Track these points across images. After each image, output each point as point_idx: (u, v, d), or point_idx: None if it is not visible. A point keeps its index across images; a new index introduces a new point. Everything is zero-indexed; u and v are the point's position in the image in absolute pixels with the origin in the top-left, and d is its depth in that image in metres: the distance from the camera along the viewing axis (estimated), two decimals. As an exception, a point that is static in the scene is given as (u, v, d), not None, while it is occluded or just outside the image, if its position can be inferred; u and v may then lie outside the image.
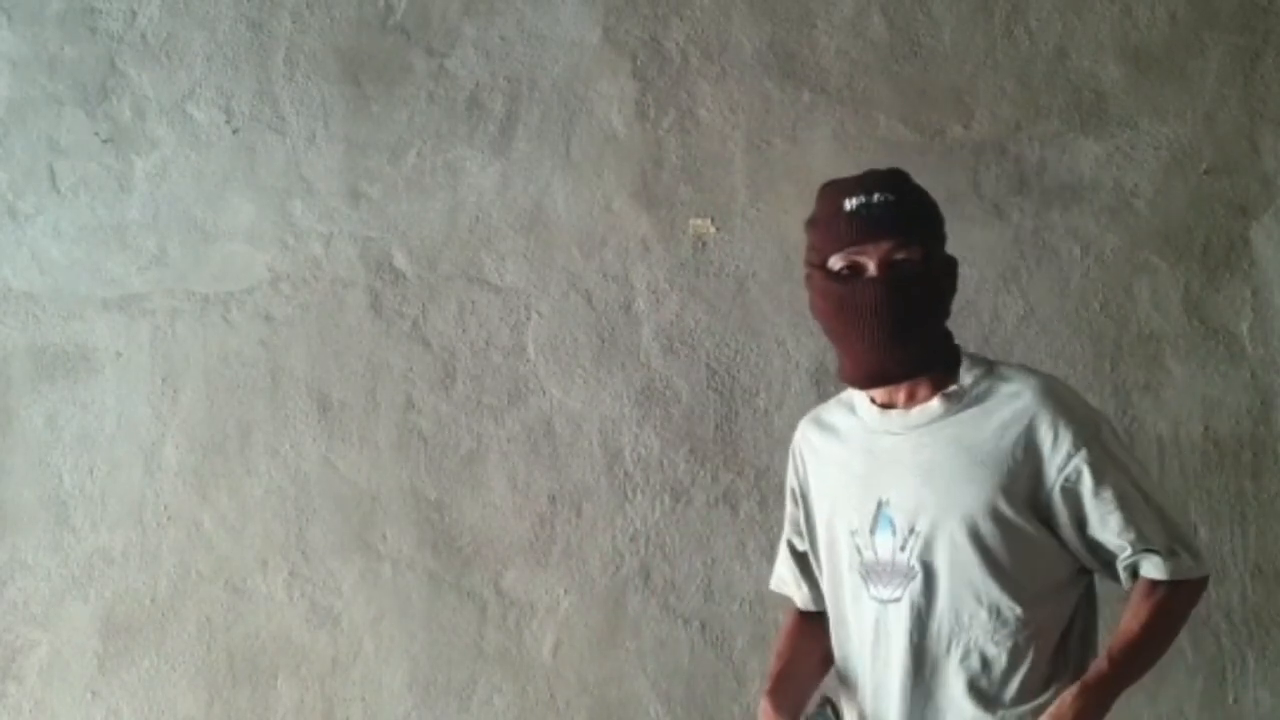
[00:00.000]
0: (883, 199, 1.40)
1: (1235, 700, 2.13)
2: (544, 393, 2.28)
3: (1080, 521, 1.38)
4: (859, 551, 1.45)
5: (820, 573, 1.55)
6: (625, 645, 2.21)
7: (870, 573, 1.43)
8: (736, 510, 2.20)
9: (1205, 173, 2.23)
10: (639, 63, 2.34)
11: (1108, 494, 1.37)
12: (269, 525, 2.29)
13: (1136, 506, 1.38)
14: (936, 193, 2.31)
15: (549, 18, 2.36)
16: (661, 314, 2.26)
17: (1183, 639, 2.12)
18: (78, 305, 2.37)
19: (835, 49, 2.30)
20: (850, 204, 1.41)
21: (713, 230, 2.27)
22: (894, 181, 1.45)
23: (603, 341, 2.27)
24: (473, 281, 2.32)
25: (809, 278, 1.48)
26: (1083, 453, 1.37)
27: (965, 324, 2.20)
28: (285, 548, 2.28)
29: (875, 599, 1.43)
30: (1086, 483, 1.37)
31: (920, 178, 2.28)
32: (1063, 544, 1.40)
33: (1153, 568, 1.38)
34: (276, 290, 2.35)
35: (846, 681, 1.50)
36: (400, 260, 2.34)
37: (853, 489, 1.46)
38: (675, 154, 2.31)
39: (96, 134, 2.41)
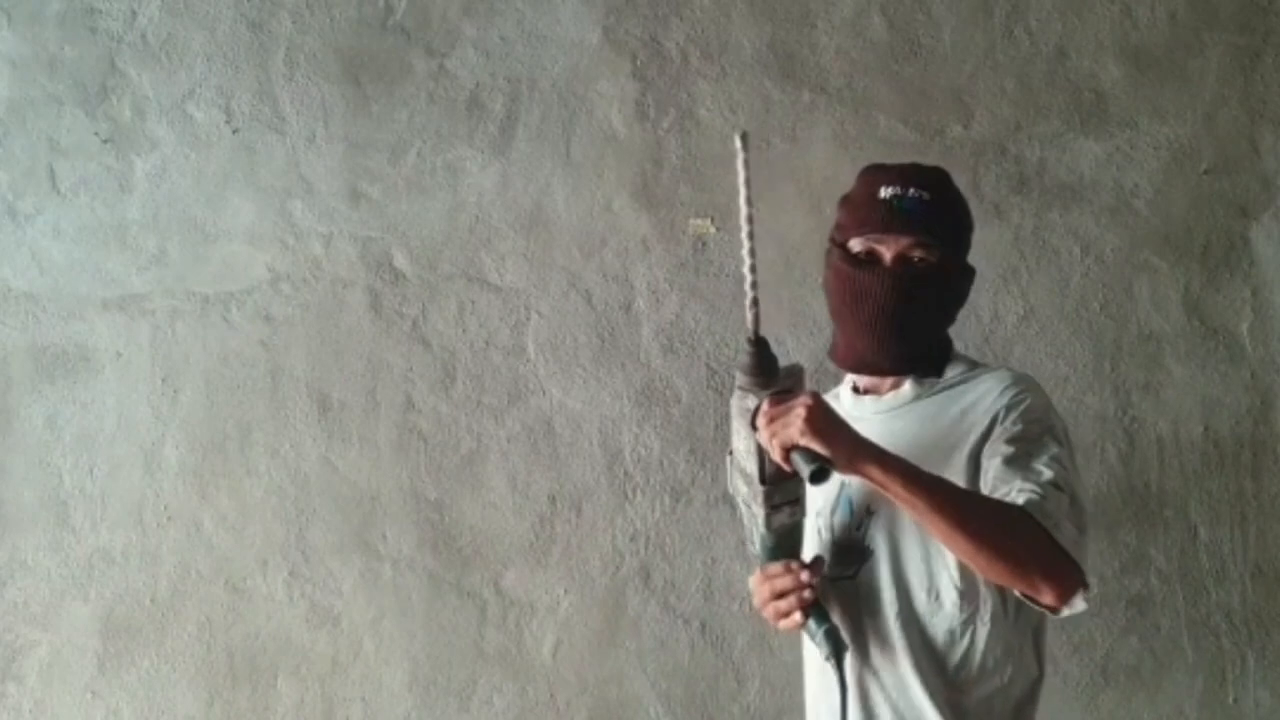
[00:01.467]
0: (917, 195, 1.42)
1: (1235, 700, 2.13)
2: (544, 393, 2.28)
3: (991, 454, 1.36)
4: (818, 533, 1.47)
5: None
6: (625, 645, 2.21)
7: (828, 552, 1.44)
8: (737, 510, 2.20)
9: (1205, 173, 2.23)
10: (639, 63, 2.34)
11: (1024, 445, 1.34)
12: (269, 525, 2.29)
13: (1034, 455, 1.34)
14: (936, 193, 2.30)
15: (549, 18, 2.36)
16: (661, 314, 2.26)
17: (1183, 639, 2.13)
18: (78, 305, 2.37)
19: (835, 49, 2.30)
20: (885, 192, 1.43)
21: (713, 230, 2.27)
22: (933, 180, 1.46)
23: (603, 341, 2.27)
24: (473, 281, 2.32)
25: (828, 252, 1.50)
26: (1020, 407, 1.37)
27: (965, 324, 2.20)
28: (285, 548, 2.28)
29: (834, 577, 1.43)
30: (1010, 424, 1.36)
31: (920, 178, 2.27)
32: None
33: (1021, 497, 1.29)
34: (276, 290, 2.35)
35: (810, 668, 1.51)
36: (400, 260, 2.34)
37: None
38: (675, 154, 2.31)
39: (96, 134, 2.41)
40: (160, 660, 2.28)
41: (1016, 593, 1.33)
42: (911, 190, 1.42)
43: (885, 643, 1.39)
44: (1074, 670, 2.14)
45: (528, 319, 2.30)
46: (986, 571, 1.29)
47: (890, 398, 1.47)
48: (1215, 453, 2.17)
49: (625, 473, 2.24)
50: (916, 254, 1.41)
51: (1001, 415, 1.38)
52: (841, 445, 1.25)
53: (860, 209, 1.45)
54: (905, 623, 1.37)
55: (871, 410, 1.47)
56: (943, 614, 1.37)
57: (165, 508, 2.31)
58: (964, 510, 1.27)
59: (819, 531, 1.48)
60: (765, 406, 1.27)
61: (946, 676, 1.36)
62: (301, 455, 2.30)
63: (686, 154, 2.30)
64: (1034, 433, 1.36)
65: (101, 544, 2.31)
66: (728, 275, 2.25)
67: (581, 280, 2.30)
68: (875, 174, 1.47)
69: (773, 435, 1.26)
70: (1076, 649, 2.15)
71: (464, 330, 2.31)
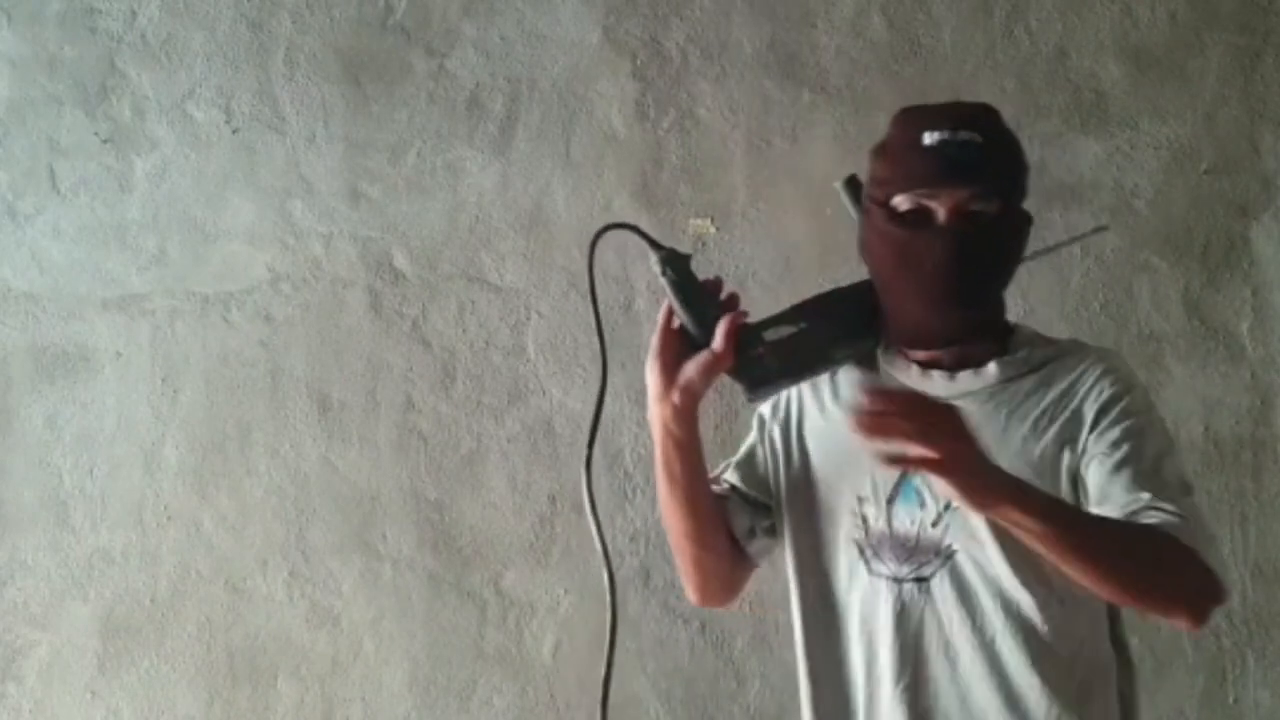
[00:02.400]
0: (969, 138, 1.22)
1: (1235, 700, 2.13)
2: (544, 393, 2.28)
3: (1100, 467, 1.22)
4: (864, 521, 1.28)
5: (783, 535, 1.38)
6: (625, 645, 2.21)
7: (877, 546, 1.27)
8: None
9: (1205, 173, 2.23)
10: (639, 63, 2.33)
11: (1142, 449, 1.20)
12: (269, 525, 2.29)
13: (1160, 467, 1.21)
14: (936, 193, 2.29)
15: (549, 18, 2.36)
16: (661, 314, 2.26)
17: (1183, 639, 2.13)
18: (78, 305, 2.37)
19: (835, 49, 2.30)
20: (930, 138, 1.23)
21: (713, 230, 2.27)
22: (984, 120, 1.27)
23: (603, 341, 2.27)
24: (473, 281, 2.32)
25: (866, 212, 1.30)
26: (1123, 402, 1.23)
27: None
28: (285, 548, 2.28)
29: (884, 576, 1.27)
30: (1117, 422, 1.22)
31: (920, 178, 2.26)
32: None
33: (1156, 516, 1.16)
34: (276, 290, 2.35)
35: (831, 669, 1.32)
36: (400, 260, 2.34)
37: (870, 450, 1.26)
38: (675, 154, 2.31)
39: (96, 134, 2.41)
40: (160, 660, 2.28)
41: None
42: (962, 133, 1.23)
43: (980, 656, 1.23)
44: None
45: (528, 319, 2.30)
46: (1125, 603, 1.18)
47: (968, 377, 1.28)
48: (1215, 453, 2.17)
49: (625, 473, 2.24)
50: (974, 207, 1.23)
51: (1106, 409, 1.23)
52: (982, 487, 1.07)
53: (904, 159, 1.25)
54: (1012, 632, 1.22)
55: (946, 389, 1.27)
56: (1041, 622, 1.22)
57: (165, 508, 2.31)
58: (1109, 544, 1.13)
59: (863, 520, 1.29)
60: (892, 403, 1.09)
61: (1055, 690, 1.23)
62: (301, 455, 2.30)
63: (686, 154, 2.30)
64: (1148, 433, 1.22)
65: (101, 544, 2.31)
66: (728, 275, 2.22)
67: (581, 280, 2.27)
68: (916, 117, 1.28)
69: (898, 439, 1.06)
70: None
71: (464, 330, 2.31)
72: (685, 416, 1.26)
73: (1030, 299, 2.21)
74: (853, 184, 1.32)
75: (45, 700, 2.29)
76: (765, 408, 1.42)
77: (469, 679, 2.23)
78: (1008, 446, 1.23)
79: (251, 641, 2.27)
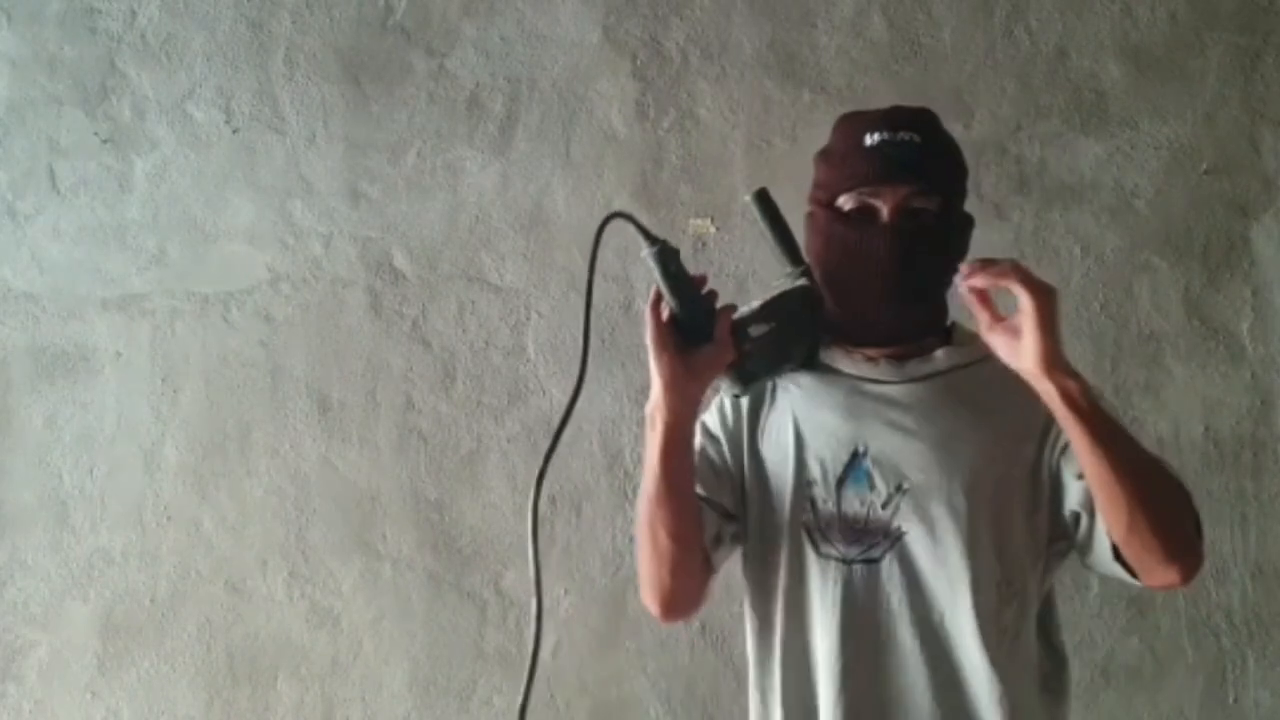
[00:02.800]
0: (908, 138, 1.27)
1: (1235, 700, 2.13)
2: (544, 393, 2.28)
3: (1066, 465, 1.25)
4: (812, 504, 1.29)
5: (737, 527, 1.38)
6: (625, 645, 2.21)
7: (825, 528, 1.28)
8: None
9: (1205, 173, 2.23)
10: (639, 63, 2.34)
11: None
12: (269, 525, 2.29)
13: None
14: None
15: (549, 18, 2.36)
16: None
17: (1183, 639, 2.13)
18: (78, 305, 2.38)
19: (835, 49, 2.30)
20: (871, 139, 1.28)
21: (713, 230, 2.27)
22: (923, 122, 1.31)
23: (603, 341, 2.27)
24: (473, 281, 2.32)
25: (811, 216, 1.34)
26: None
27: (965, 324, 2.20)
28: (285, 548, 2.28)
29: (833, 558, 1.28)
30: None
31: (920, 178, 2.26)
32: (1055, 508, 1.28)
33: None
34: (276, 290, 2.35)
35: (790, 652, 1.32)
36: (400, 260, 2.34)
37: (819, 435, 1.30)
38: (675, 154, 2.31)
39: (96, 134, 2.41)
40: (160, 660, 2.28)
41: (1120, 570, 1.22)
42: (901, 134, 1.27)
43: (927, 637, 1.25)
44: (1074, 670, 2.13)
45: (528, 319, 2.30)
46: (1134, 529, 1.15)
47: (917, 365, 1.31)
48: (1215, 453, 2.17)
49: (625, 473, 2.24)
50: (916, 204, 1.26)
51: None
52: (1058, 343, 1.15)
53: (846, 161, 1.29)
54: (959, 614, 1.24)
55: (893, 374, 1.31)
56: (993, 595, 1.24)
57: (165, 508, 2.31)
58: (1141, 455, 1.15)
59: (812, 502, 1.29)
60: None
61: (1002, 673, 1.24)
62: (301, 455, 2.30)
63: (686, 154, 2.30)
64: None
65: (101, 544, 2.31)
66: (728, 275, 2.25)
67: (581, 280, 2.29)
68: (856, 120, 1.32)
69: (1012, 276, 1.14)
70: (1076, 649, 2.14)
71: (464, 330, 2.31)
72: (693, 409, 1.25)
73: (1030, 299, 2.21)
74: (762, 197, 1.33)
75: (45, 700, 2.29)
76: (712, 415, 1.42)
77: (469, 679, 2.23)
78: (960, 431, 1.26)
79: (251, 641, 2.27)
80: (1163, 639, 2.14)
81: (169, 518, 2.31)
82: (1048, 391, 1.16)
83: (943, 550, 1.25)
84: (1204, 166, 2.23)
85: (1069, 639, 2.13)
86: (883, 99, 2.30)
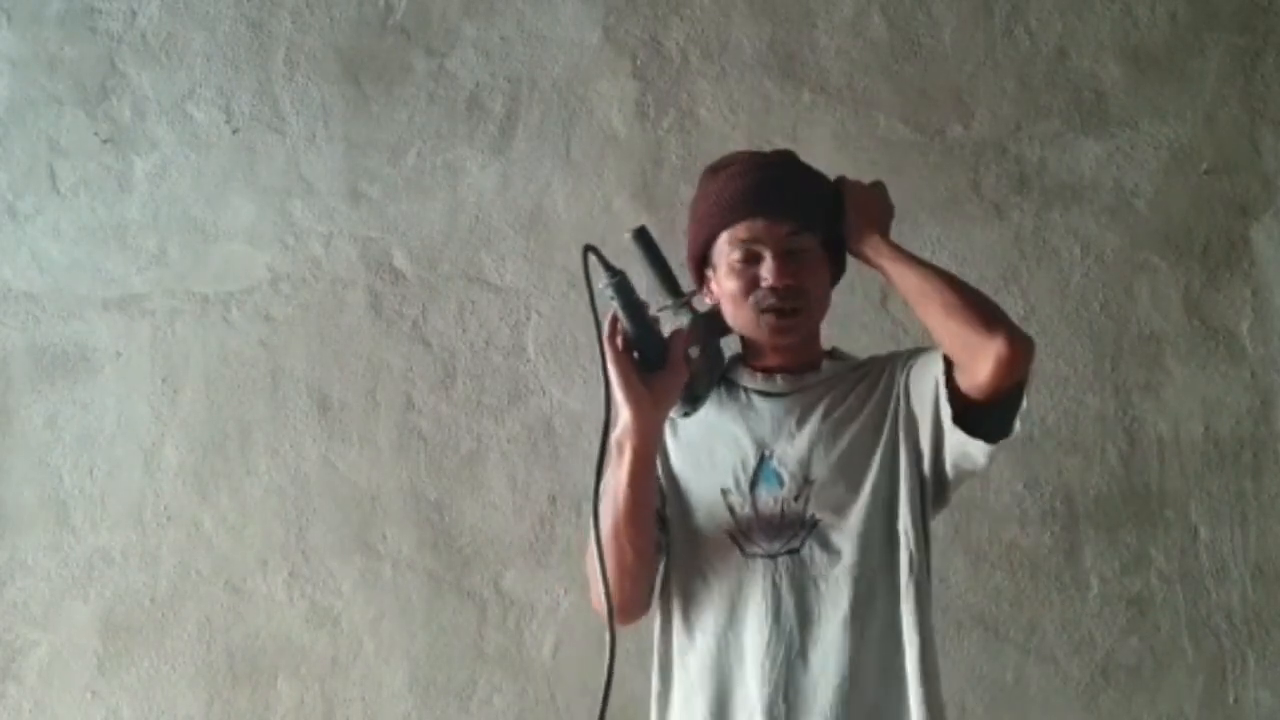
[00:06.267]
0: (765, 172, 1.48)
1: (1235, 700, 2.13)
2: (544, 393, 2.28)
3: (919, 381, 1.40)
4: (731, 510, 1.41)
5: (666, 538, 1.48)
6: (625, 645, 2.20)
7: (747, 530, 1.40)
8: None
9: (1205, 173, 2.23)
10: (639, 63, 2.34)
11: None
12: (269, 525, 2.29)
13: None
14: (937, 193, 2.32)
15: (549, 18, 2.36)
16: (661, 314, 2.26)
17: (1183, 639, 2.13)
18: (78, 305, 2.37)
19: (835, 49, 2.30)
20: (730, 176, 1.48)
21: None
22: (781, 158, 1.52)
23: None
24: (473, 281, 2.32)
25: (708, 281, 1.51)
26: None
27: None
28: (285, 548, 2.28)
29: (759, 555, 1.39)
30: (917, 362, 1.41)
31: (920, 177, 2.29)
32: (934, 471, 1.40)
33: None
34: (276, 290, 2.35)
35: (716, 650, 1.42)
36: (400, 260, 2.34)
37: (728, 448, 1.43)
38: (675, 154, 2.31)
39: (96, 134, 2.41)
40: (160, 660, 2.28)
41: (965, 437, 1.33)
42: (758, 170, 1.46)
43: (845, 613, 1.35)
44: (1074, 670, 2.14)
45: (528, 319, 2.30)
46: (950, 312, 1.32)
47: (809, 375, 1.46)
48: (1215, 453, 2.17)
49: (625, 473, 2.24)
50: (793, 245, 1.41)
51: (908, 355, 1.43)
52: (860, 222, 1.40)
53: (712, 206, 1.46)
54: (867, 586, 1.36)
55: (786, 385, 1.45)
56: (905, 570, 1.36)
57: (165, 508, 2.31)
58: (950, 275, 1.37)
59: (731, 509, 1.41)
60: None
61: (926, 627, 1.36)
62: (301, 455, 2.30)
63: (686, 154, 2.30)
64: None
65: (101, 544, 2.31)
66: (728, 275, 2.25)
67: (582, 280, 2.29)
68: (714, 167, 1.50)
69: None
70: (1076, 649, 2.15)
71: (464, 330, 2.31)
72: (659, 433, 1.38)
73: (1030, 299, 2.21)
74: (643, 235, 1.43)
75: (45, 700, 2.29)
76: None
77: (469, 679, 2.23)
78: (846, 422, 1.40)
79: (251, 641, 2.27)
80: (1163, 639, 2.14)
81: (169, 518, 2.31)
82: (863, 255, 1.41)
83: (851, 527, 1.37)
84: (1204, 166, 2.23)
85: (1069, 638, 2.14)
86: (883, 99, 2.32)
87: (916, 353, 1.43)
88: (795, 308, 1.41)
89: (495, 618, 2.24)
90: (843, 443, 1.40)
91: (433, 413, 2.29)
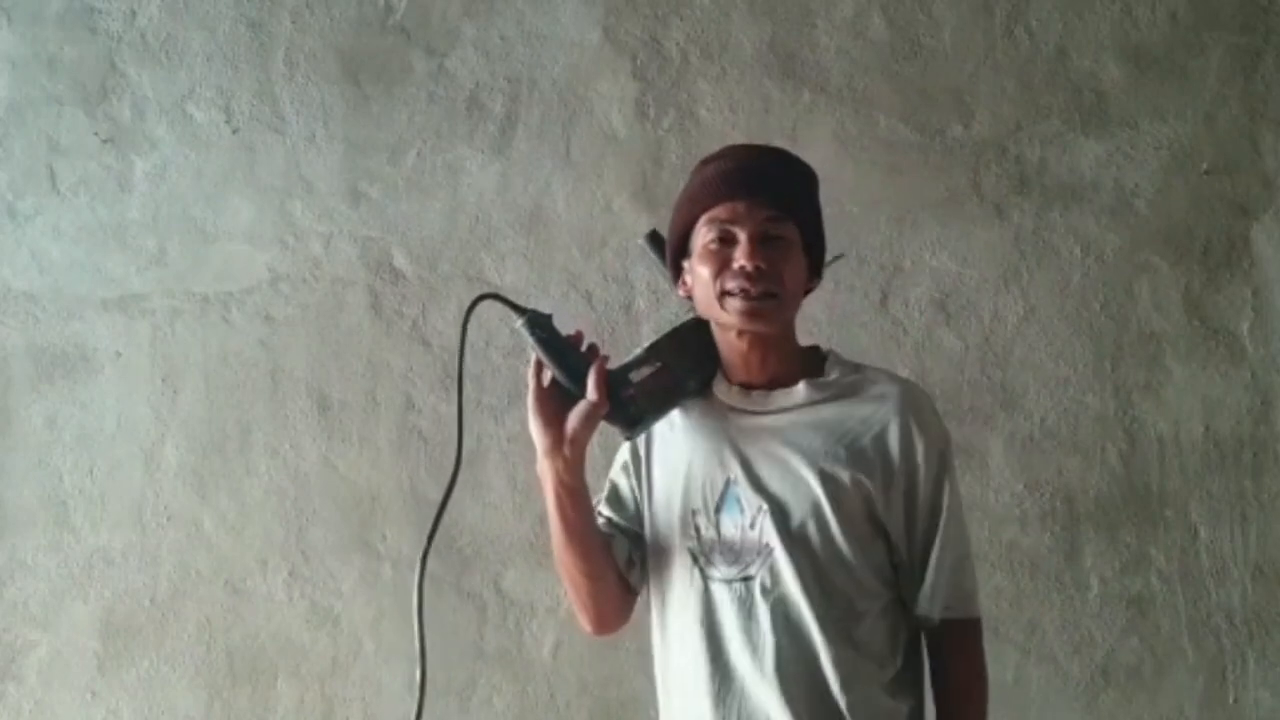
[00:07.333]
0: (751, 161, 1.43)
1: (1235, 700, 2.13)
2: (544, 393, 2.27)
3: (907, 527, 1.37)
4: (697, 531, 1.39)
5: (646, 554, 1.48)
6: (625, 645, 2.21)
7: (709, 552, 1.38)
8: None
9: (1205, 173, 2.23)
10: (639, 63, 2.34)
11: (935, 518, 1.37)
12: (269, 525, 2.29)
13: (959, 579, 1.38)
14: (937, 193, 2.32)
15: (549, 18, 2.36)
16: (661, 314, 2.26)
17: (1183, 639, 2.13)
18: (78, 305, 2.37)
19: (835, 49, 2.30)
20: (715, 167, 1.43)
21: (713, 230, 2.27)
22: (770, 150, 1.45)
23: (602, 342, 2.25)
24: (473, 281, 2.31)
25: (680, 267, 1.46)
26: (930, 466, 1.36)
27: (966, 324, 2.20)
28: (285, 548, 2.28)
29: (718, 579, 1.37)
30: (923, 493, 1.36)
31: (920, 177, 2.29)
32: (887, 549, 1.38)
33: (924, 603, 1.37)
34: (276, 290, 2.35)
35: (673, 666, 1.43)
36: (400, 260, 2.34)
37: (701, 467, 1.40)
38: (675, 154, 2.31)
39: (96, 134, 2.41)
40: (160, 660, 2.28)
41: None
42: (745, 160, 1.40)
43: (798, 637, 1.33)
44: (1074, 670, 2.14)
45: (528, 319, 2.30)
46: None
47: (781, 395, 1.39)
48: (1215, 453, 2.17)
49: (625, 473, 2.24)
50: (773, 231, 1.34)
51: (917, 483, 1.35)
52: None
53: (695, 192, 1.40)
54: (822, 614, 1.32)
55: (761, 405, 1.39)
56: (864, 599, 1.34)
57: (165, 508, 2.31)
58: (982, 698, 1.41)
59: (696, 530, 1.39)
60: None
61: (866, 668, 1.34)
62: (301, 455, 2.30)
63: (686, 154, 2.30)
64: (952, 533, 1.37)
65: (101, 544, 2.31)
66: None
67: (581, 280, 2.30)
68: (704, 159, 1.45)
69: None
70: (1076, 649, 2.15)
71: (464, 330, 2.30)
72: (576, 465, 1.36)
73: (1030, 299, 2.22)
74: (655, 238, 1.44)
75: (45, 700, 2.29)
76: (625, 447, 1.52)
77: (469, 679, 2.23)
78: (807, 455, 1.35)
79: (251, 641, 2.27)
80: (1163, 639, 2.14)
81: (169, 518, 2.31)
82: None
83: (802, 560, 1.33)
84: (1204, 166, 2.23)
85: (1069, 638, 2.14)
86: (883, 99, 2.32)
87: (921, 475, 1.36)
88: (766, 292, 1.32)
89: (495, 618, 2.24)
90: (807, 482, 1.34)
91: (432, 412, 2.29)
